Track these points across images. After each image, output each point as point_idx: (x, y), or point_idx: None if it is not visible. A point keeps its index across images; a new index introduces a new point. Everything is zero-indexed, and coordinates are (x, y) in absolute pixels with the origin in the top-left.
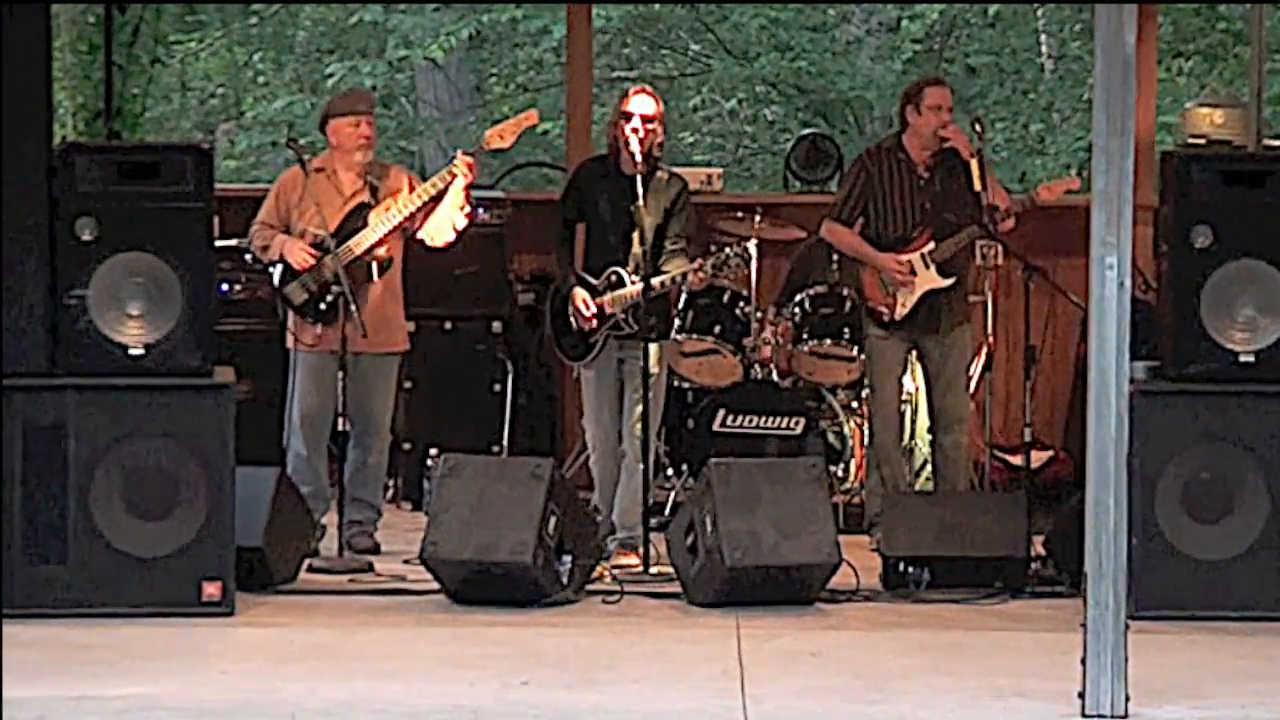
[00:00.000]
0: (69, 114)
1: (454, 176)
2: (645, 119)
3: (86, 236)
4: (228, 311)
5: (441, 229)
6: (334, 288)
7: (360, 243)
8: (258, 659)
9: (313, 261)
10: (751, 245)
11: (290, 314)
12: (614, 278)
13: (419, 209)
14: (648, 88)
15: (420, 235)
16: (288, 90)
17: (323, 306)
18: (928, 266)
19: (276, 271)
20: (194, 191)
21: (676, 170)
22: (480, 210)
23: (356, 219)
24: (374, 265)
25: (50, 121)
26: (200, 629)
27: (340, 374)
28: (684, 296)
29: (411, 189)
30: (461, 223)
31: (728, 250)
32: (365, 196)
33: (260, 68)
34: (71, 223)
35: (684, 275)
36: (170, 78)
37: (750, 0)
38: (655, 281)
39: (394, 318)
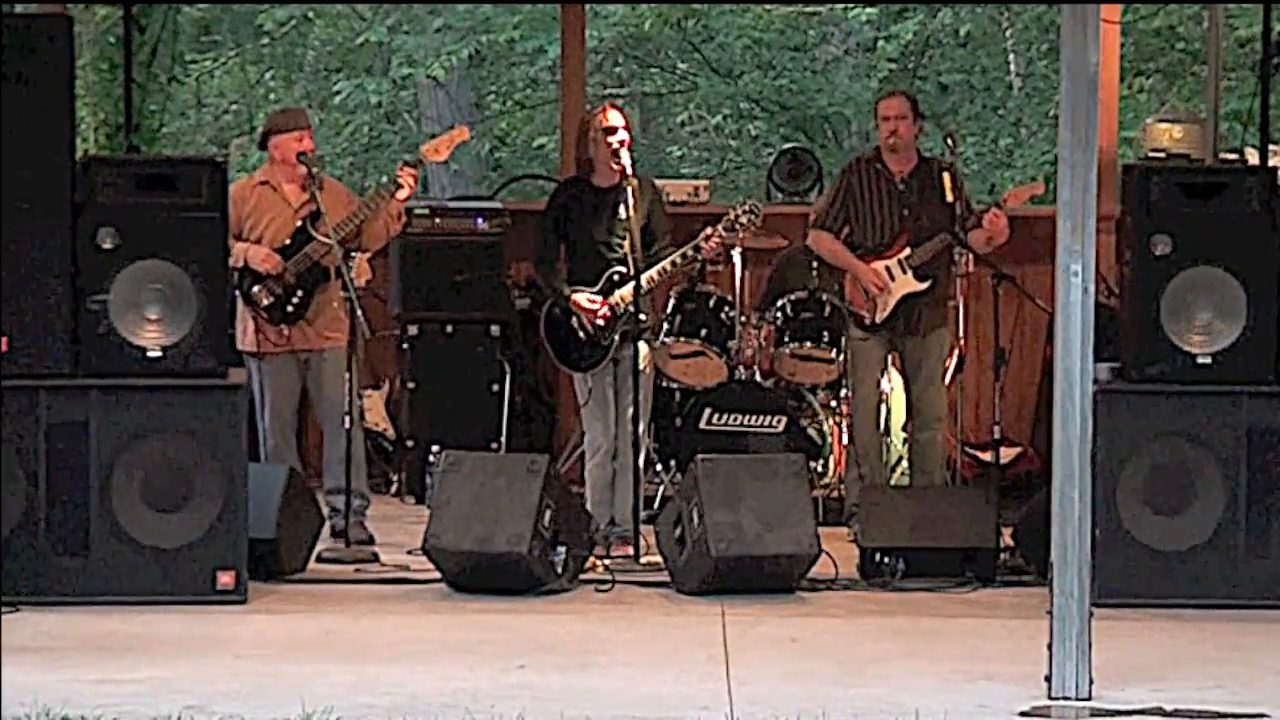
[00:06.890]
0: (91, 129)
1: (400, 187)
2: (624, 131)
3: (107, 245)
4: None
5: (379, 236)
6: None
7: (319, 248)
8: (269, 645)
9: (279, 265)
10: (736, 253)
11: (252, 318)
12: (616, 277)
13: (369, 216)
14: (614, 103)
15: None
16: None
17: (289, 308)
18: (904, 271)
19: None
20: (209, 203)
21: (651, 178)
22: (479, 220)
23: (309, 226)
24: (333, 268)
25: (73, 136)
26: (214, 616)
27: (348, 373)
28: (672, 301)
29: (347, 199)
30: (396, 230)
31: (734, 211)
32: (313, 206)
33: (271, 85)
34: (93, 232)
35: (695, 247)
36: (186, 95)
37: (751, 0)
38: (648, 274)
39: (342, 315)
